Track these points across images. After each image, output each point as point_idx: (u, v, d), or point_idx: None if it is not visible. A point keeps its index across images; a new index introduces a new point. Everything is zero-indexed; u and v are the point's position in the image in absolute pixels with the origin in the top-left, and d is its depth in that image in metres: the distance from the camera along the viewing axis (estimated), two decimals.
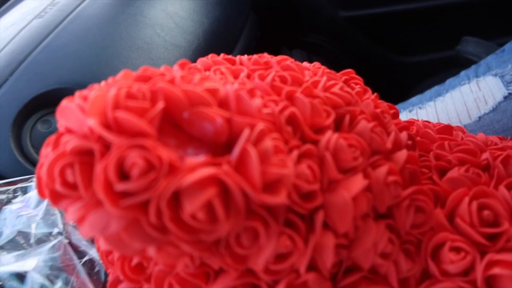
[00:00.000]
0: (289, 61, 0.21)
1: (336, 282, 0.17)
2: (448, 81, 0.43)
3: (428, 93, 0.43)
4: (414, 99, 0.43)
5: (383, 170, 0.17)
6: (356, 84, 0.22)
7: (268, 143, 0.14)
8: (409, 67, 0.64)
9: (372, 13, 0.63)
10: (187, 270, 0.16)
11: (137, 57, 0.42)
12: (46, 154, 0.15)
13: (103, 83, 0.16)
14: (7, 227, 0.25)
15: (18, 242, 0.25)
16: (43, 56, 0.41)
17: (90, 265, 0.27)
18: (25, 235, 0.25)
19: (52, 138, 0.15)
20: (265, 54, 0.21)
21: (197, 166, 0.13)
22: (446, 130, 0.24)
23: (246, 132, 0.14)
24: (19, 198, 0.27)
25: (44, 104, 0.38)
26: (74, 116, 0.14)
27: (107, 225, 0.13)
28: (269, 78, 0.19)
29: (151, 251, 0.14)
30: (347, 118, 0.18)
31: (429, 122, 0.25)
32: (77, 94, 0.15)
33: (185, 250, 0.14)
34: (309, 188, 0.16)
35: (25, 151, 0.36)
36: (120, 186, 0.13)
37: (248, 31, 0.56)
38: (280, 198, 0.14)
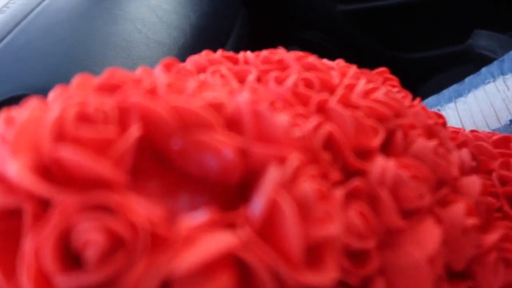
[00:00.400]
0: (311, 58, 0.15)
1: None
2: (468, 80, 0.38)
3: (446, 92, 0.38)
4: (430, 100, 0.39)
5: (457, 210, 0.12)
6: (394, 86, 0.17)
7: (307, 187, 0.09)
8: (413, 64, 0.60)
9: (373, 7, 0.58)
10: None
11: (115, 56, 0.37)
12: None
13: (50, 94, 0.11)
14: None
15: None
16: (4, 56, 0.35)
17: None
18: None
19: None
20: (279, 50, 0.16)
21: (198, 233, 0.08)
22: (504, 142, 0.19)
23: (273, 172, 0.09)
24: None
25: None
26: None
27: None
28: (290, 82, 0.13)
29: None
30: (399, 135, 0.13)
31: (477, 131, 0.20)
32: (2, 114, 0.09)
33: None
34: (362, 246, 0.11)
35: None
36: (65, 281, 0.07)
37: (239, 27, 0.51)
38: (328, 274, 0.09)
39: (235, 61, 0.16)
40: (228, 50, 0.51)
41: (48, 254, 0.07)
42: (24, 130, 0.08)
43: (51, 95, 0.11)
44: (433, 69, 0.58)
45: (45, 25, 0.37)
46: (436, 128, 0.15)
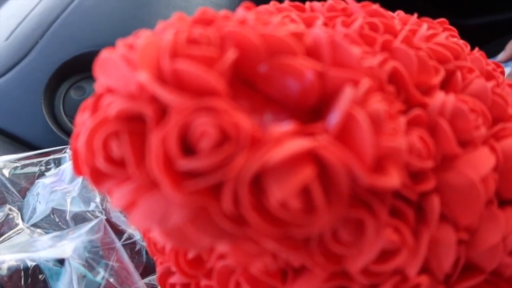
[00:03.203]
0: (375, 5, 0.16)
1: (449, 286, 0.13)
2: None
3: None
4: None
5: (511, 143, 0.13)
6: (453, 36, 0.18)
7: (379, 105, 0.10)
8: (469, 30, 0.58)
9: None
10: (263, 269, 0.12)
11: None
12: (83, 121, 0.12)
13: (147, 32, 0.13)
14: (41, 204, 0.23)
15: (54, 220, 0.22)
16: (75, 17, 0.38)
17: (131, 244, 0.25)
18: (60, 212, 0.22)
19: (89, 101, 0.12)
20: None
21: (286, 137, 0.10)
22: None
23: (349, 91, 0.10)
24: (53, 171, 0.24)
25: (77, 69, 0.35)
26: (118, 70, 0.10)
27: (167, 215, 0.10)
28: (356, 25, 0.14)
29: (223, 247, 0.11)
30: (458, 75, 0.14)
31: None
32: (120, 43, 0.11)
33: (267, 248, 0.10)
34: (421, 166, 0.12)
35: (58, 120, 0.34)
36: (184, 164, 0.09)
37: None
38: (393, 180, 0.10)
39: (302, 10, 0.17)
40: None
41: (171, 142, 0.09)
42: (145, 51, 0.10)
43: (154, 29, 0.12)
44: (487, 35, 0.56)
45: None
46: (494, 73, 0.16)
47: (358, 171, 0.10)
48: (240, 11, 0.14)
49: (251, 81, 0.11)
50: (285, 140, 0.10)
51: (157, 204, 0.10)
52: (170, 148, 0.09)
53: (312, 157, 0.10)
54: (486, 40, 0.59)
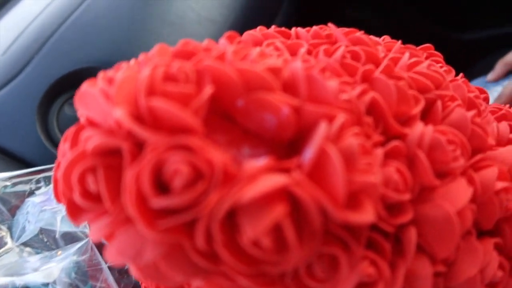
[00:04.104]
0: (359, 33, 0.17)
1: None
2: None
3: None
4: (476, 82, 0.38)
5: (490, 174, 0.13)
6: (438, 62, 0.18)
7: (353, 141, 0.10)
8: (466, 45, 0.58)
9: None
10: None
11: (170, 33, 0.39)
12: (64, 152, 0.12)
13: (132, 61, 0.13)
14: (30, 223, 0.23)
15: (42, 240, 0.22)
16: (71, 33, 0.38)
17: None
18: (48, 232, 0.22)
19: (71, 131, 0.12)
20: (329, 25, 0.18)
21: (260, 173, 0.10)
22: None
23: (323, 127, 0.10)
24: (43, 189, 0.24)
25: (71, 84, 0.36)
26: (97, 104, 0.11)
27: (141, 251, 0.10)
28: (338, 54, 0.15)
29: (196, 283, 0.11)
30: (439, 104, 0.14)
31: None
32: (101, 75, 0.12)
33: (241, 284, 0.10)
34: (398, 199, 0.12)
35: (52, 136, 0.34)
36: (157, 202, 0.09)
37: (287, 6, 0.52)
38: (367, 215, 0.10)
39: (287, 36, 0.18)
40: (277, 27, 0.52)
41: (145, 181, 0.09)
42: (123, 87, 0.10)
43: (135, 60, 0.13)
44: (484, 49, 0.57)
45: (107, 4, 0.39)
46: (476, 100, 0.16)
47: (329, 208, 0.10)
48: (222, 42, 0.14)
49: (230, 114, 0.11)
50: (259, 177, 0.10)
51: (131, 240, 0.10)
52: (144, 187, 0.09)
53: (285, 194, 0.10)
54: (482, 54, 0.60)
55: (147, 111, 0.10)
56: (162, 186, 0.10)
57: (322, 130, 0.10)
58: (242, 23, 0.42)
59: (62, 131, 0.34)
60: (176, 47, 0.13)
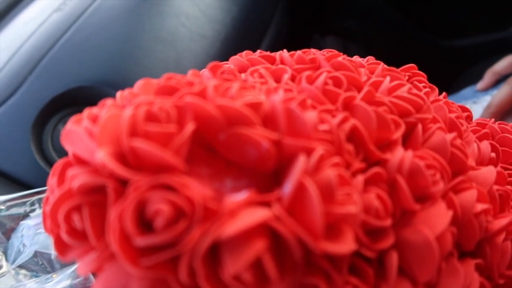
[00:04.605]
0: (341, 57, 0.17)
1: None
2: None
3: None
4: (467, 92, 0.39)
5: (470, 196, 0.14)
6: (420, 82, 0.19)
7: (330, 173, 0.11)
8: (454, 52, 0.59)
9: None
10: None
11: (162, 49, 0.39)
12: (52, 187, 0.12)
13: (118, 94, 0.13)
14: (25, 245, 0.23)
15: (38, 263, 0.23)
16: (64, 52, 0.38)
17: None
18: (43, 254, 0.22)
19: (58, 166, 0.12)
20: (312, 50, 0.18)
21: (240, 208, 0.10)
22: None
23: (301, 161, 0.11)
24: (37, 211, 0.24)
25: (65, 103, 0.36)
26: (82, 143, 0.11)
27: (126, 286, 0.10)
28: (320, 81, 0.15)
29: None
30: (419, 128, 0.15)
31: (506, 124, 0.21)
32: (86, 112, 0.12)
33: None
34: (379, 225, 0.12)
35: (47, 155, 0.34)
36: (140, 241, 0.10)
37: (278, 17, 0.52)
38: (347, 246, 0.11)
39: (272, 61, 0.18)
40: (268, 39, 0.52)
41: (128, 220, 0.10)
42: (106, 126, 0.10)
43: (120, 94, 0.13)
44: (472, 57, 0.57)
45: (99, 23, 0.40)
46: (457, 121, 0.16)
47: (308, 241, 0.10)
48: (205, 74, 0.15)
49: (212, 146, 0.12)
50: (239, 212, 0.10)
51: (117, 275, 0.10)
52: (127, 226, 0.10)
53: (265, 228, 0.10)
54: (472, 61, 0.60)
55: (129, 151, 0.10)
56: (146, 223, 0.10)
57: (300, 163, 0.11)
58: (234, 37, 0.43)
59: (57, 150, 0.34)
60: (159, 82, 0.13)
